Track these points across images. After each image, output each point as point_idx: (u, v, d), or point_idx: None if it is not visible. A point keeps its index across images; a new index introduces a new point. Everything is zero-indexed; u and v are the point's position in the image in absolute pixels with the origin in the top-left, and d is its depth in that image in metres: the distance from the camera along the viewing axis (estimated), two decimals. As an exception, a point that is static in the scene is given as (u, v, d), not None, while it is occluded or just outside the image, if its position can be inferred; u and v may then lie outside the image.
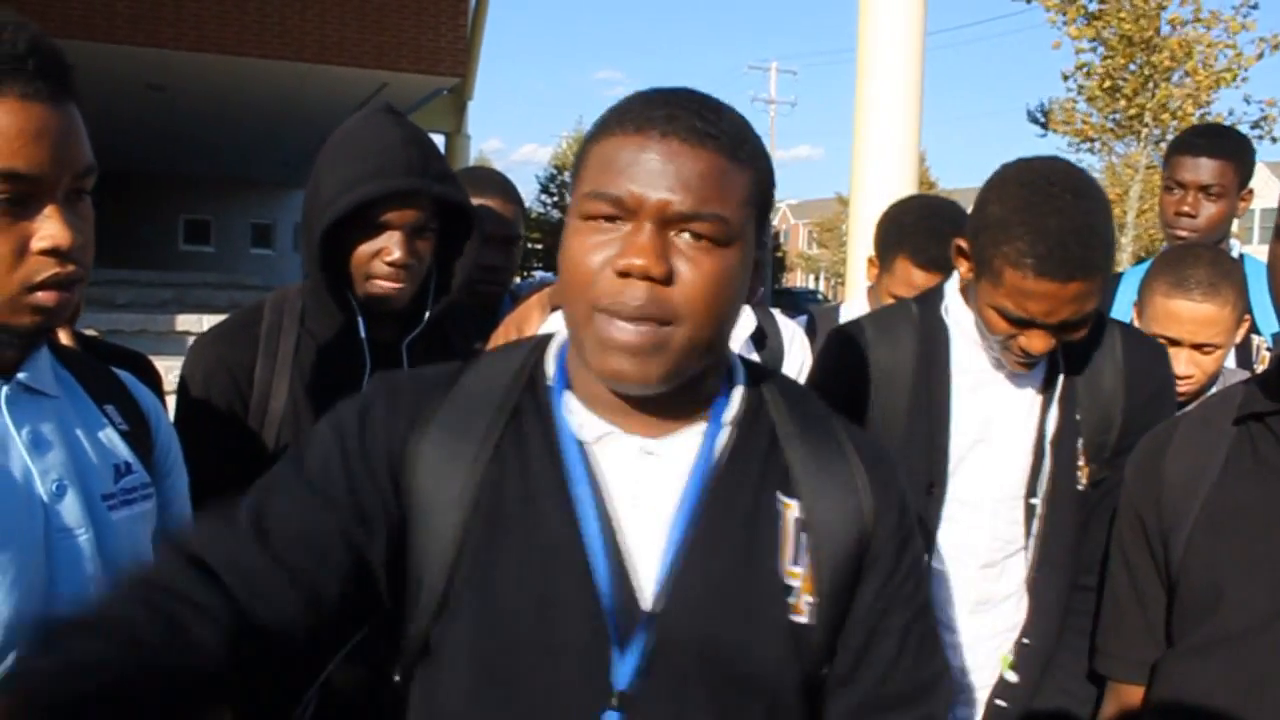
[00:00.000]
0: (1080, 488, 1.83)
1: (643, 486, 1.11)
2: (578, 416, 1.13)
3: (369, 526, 1.07)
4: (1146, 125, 17.48)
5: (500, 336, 2.13)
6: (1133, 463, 1.42)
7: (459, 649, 1.08)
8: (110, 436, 1.35)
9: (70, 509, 1.24)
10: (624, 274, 1.02)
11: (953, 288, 1.91)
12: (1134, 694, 1.39)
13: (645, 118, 1.05)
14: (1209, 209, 2.82)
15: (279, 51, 11.11)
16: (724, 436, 1.14)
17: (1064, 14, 16.95)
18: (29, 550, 1.19)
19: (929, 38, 6.91)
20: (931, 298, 1.94)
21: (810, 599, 1.11)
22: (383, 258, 1.79)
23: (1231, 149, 2.87)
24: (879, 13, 6.58)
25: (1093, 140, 18.63)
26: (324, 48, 11.21)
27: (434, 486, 1.09)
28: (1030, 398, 1.84)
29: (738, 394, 1.17)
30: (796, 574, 1.11)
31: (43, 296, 1.18)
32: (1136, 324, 2.35)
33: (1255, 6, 16.42)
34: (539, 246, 39.86)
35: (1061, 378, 1.81)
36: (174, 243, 22.71)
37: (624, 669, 1.05)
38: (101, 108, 13.47)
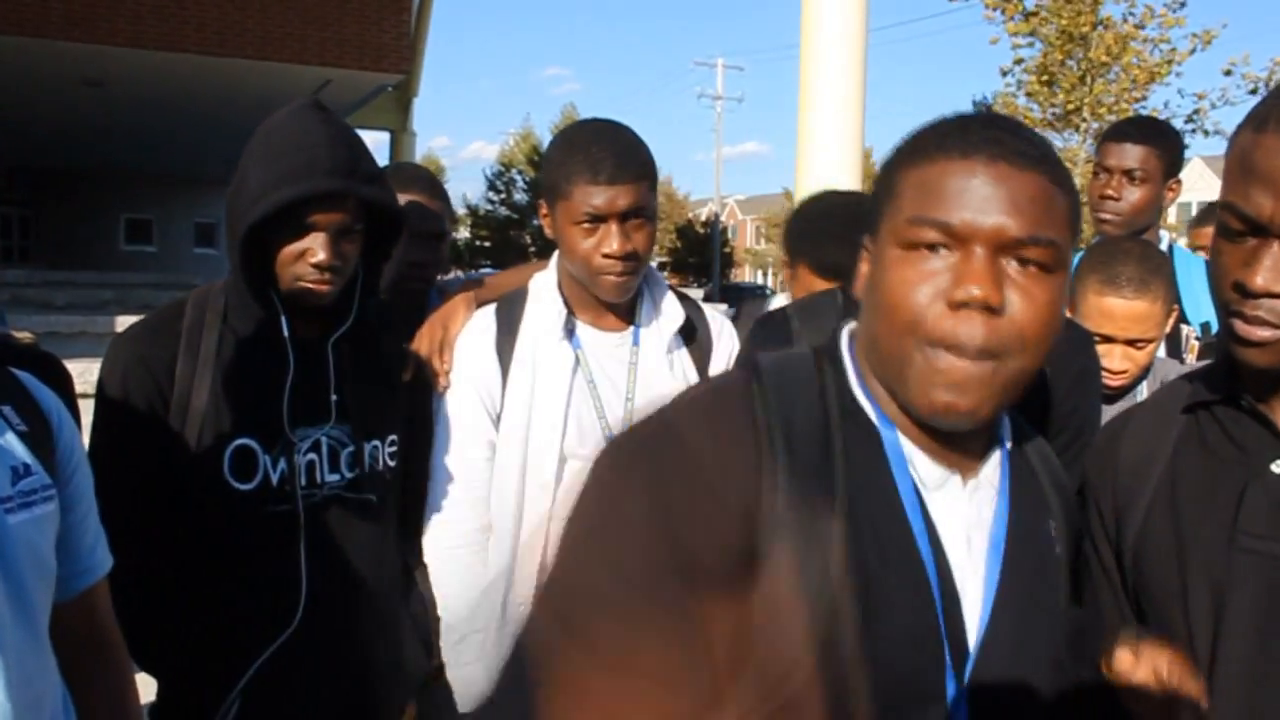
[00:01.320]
0: None
1: (969, 530, 1.08)
2: (911, 457, 1.07)
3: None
4: (1085, 120, 17.76)
5: (425, 334, 2.13)
6: (1092, 450, 1.45)
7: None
8: (7, 439, 1.32)
9: None
10: (960, 305, 0.98)
11: None
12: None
13: (968, 142, 1.02)
14: (1132, 194, 2.90)
15: (220, 47, 10.95)
16: (1011, 465, 1.14)
17: (1001, 10, 17.17)
18: None
19: (872, 34, 6.97)
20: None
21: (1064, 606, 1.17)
22: (308, 259, 1.77)
23: (1155, 135, 2.97)
24: (822, 9, 6.63)
25: (1034, 135, 18.84)
26: (266, 43, 11.07)
27: (795, 552, 0.97)
28: None
29: (1006, 420, 1.15)
30: (1063, 587, 1.16)
31: None
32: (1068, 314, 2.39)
33: (1184, 4, 16.76)
34: (487, 244, 39.68)
35: None
36: (115, 242, 22.30)
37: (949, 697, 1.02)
38: (38, 104, 13.21)
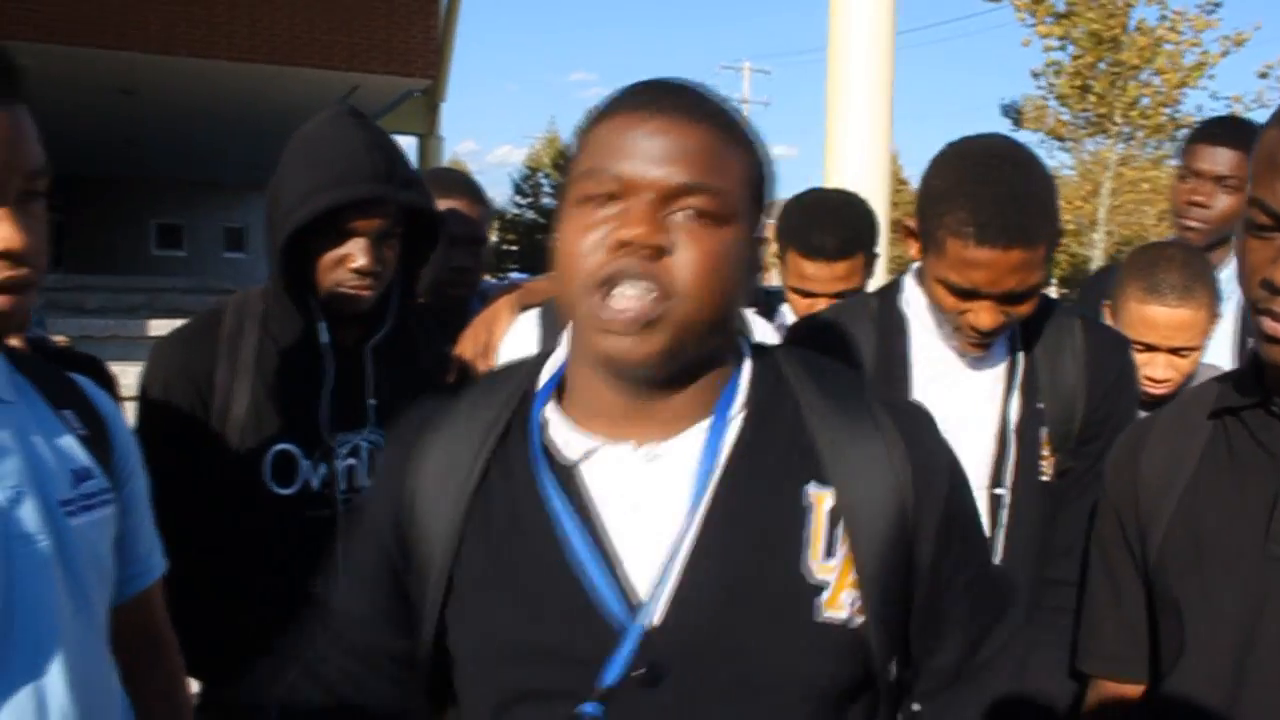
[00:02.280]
0: (1045, 479, 1.84)
1: (645, 493, 1.07)
2: (561, 433, 1.10)
3: (400, 627, 1.16)
4: (1116, 123, 17.63)
5: (469, 338, 2.13)
6: (1111, 459, 1.42)
7: (462, 683, 1.14)
8: (68, 442, 1.34)
9: (28, 516, 1.23)
10: (620, 246, 0.99)
11: (911, 279, 1.92)
12: (1114, 690, 1.40)
13: (637, 101, 1.05)
14: (1222, 201, 2.68)
15: (249, 53, 11.05)
16: (733, 430, 1.09)
17: (1033, 13, 17.07)
18: None
19: (900, 36, 6.94)
20: (890, 290, 1.95)
21: (852, 593, 1.05)
22: (347, 264, 1.78)
23: (1250, 140, 2.82)
24: (849, 12, 6.60)
25: (1064, 139, 18.79)
26: (294, 49, 11.16)
27: (428, 522, 1.11)
28: (991, 387, 1.85)
29: (744, 382, 1.11)
30: (830, 568, 1.05)
31: None
32: (1110, 322, 2.36)
33: (1219, 4, 16.60)
34: (514, 248, 39.78)
35: (1022, 366, 1.82)
36: (145, 247, 22.54)
37: (612, 670, 1.01)
38: (71, 112, 13.36)
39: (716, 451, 1.07)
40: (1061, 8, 17.08)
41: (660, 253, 0.99)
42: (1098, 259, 18.59)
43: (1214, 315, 2.25)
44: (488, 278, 2.89)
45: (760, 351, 1.16)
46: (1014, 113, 19.36)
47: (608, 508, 1.07)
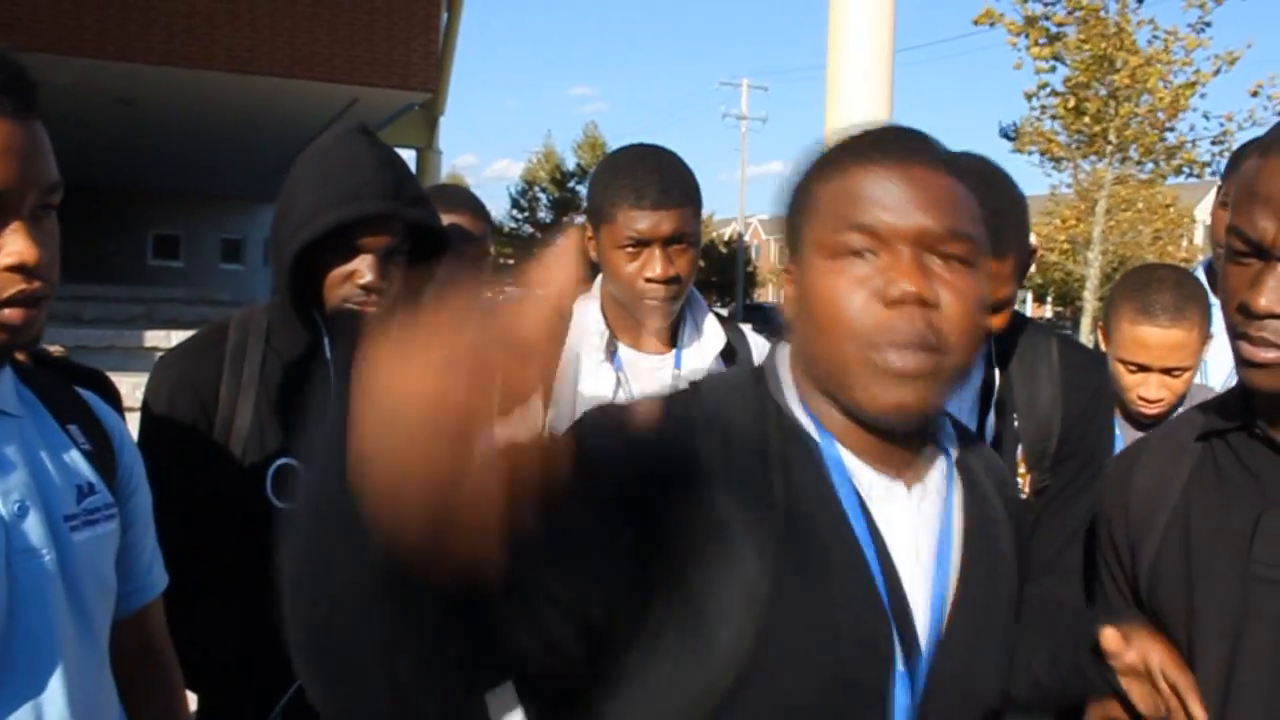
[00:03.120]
0: (1023, 496, 1.85)
1: (918, 536, 1.08)
2: (853, 468, 1.07)
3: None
4: (1110, 143, 17.71)
5: (470, 354, 2.13)
6: (1107, 480, 1.45)
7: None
8: (73, 457, 1.34)
9: (32, 529, 1.23)
10: (896, 302, 1.00)
11: None
12: (1113, 710, 1.41)
13: (880, 150, 1.05)
14: None
15: (249, 65, 11.07)
16: (957, 469, 1.15)
17: (1025, 35, 17.16)
18: None
19: (898, 54, 6.97)
20: None
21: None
22: (355, 280, 1.78)
23: None
24: (848, 30, 6.64)
25: (1060, 159, 18.88)
26: (294, 62, 11.18)
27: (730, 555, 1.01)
28: (967, 405, 1.86)
29: (948, 422, 1.17)
30: (1014, 596, 1.19)
31: (9, 314, 1.18)
32: (1102, 346, 2.37)
33: (1209, 24, 16.71)
34: (511, 261, 39.75)
35: (997, 384, 1.83)
36: (143, 258, 22.50)
37: (900, 706, 1.02)
38: (70, 122, 13.36)
39: (954, 487, 1.13)
40: (1054, 30, 17.16)
41: (935, 304, 1.01)
42: (1092, 278, 18.65)
43: (1206, 335, 2.26)
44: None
45: None
46: (1012, 133, 19.43)
47: (896, 551, 1.06)
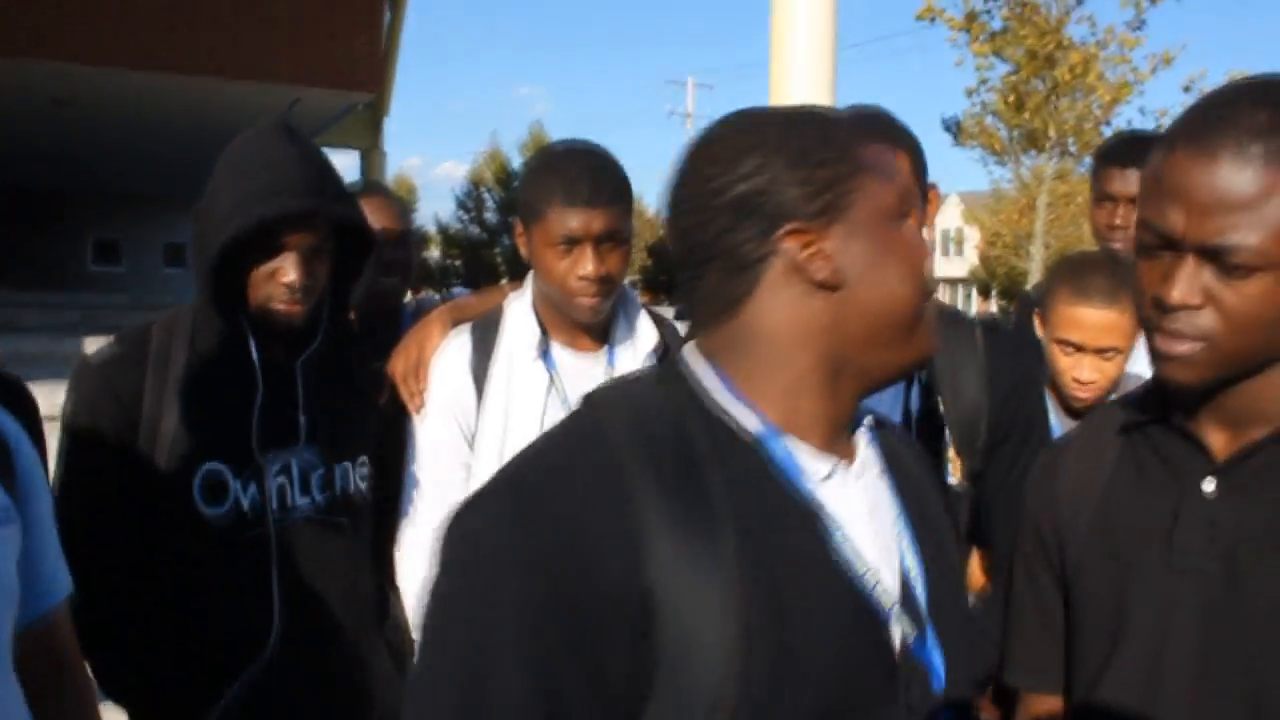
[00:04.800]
0: (953, 480, 1.86)
1: (869, 514, 1.04)
2: (802, 457, 1.01)
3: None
4: (1050, 139, 17.98)
5: (400, 355, 2.11)
6: (1031, 476, 1.46)
7: None
8: None
9: None
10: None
11: None
12: (1044, 703, 1.42)
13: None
14: None
15: (189, 65, 10.88)
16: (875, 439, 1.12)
17: (966, 31, 17.37)
18: None
19: (841, 51, 7.02)
20: None
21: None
22: (279, 279, 1.76)
23: None
24: (790, 26, 6.67)
25: (1001, 153, 19.14)
26: (236, 62, 11.02)
27: (689, 608, 0.88)
28: (889, 390, 1.86)
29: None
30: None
31: None
32: (1039, 332, 2.41)
33: (1144, 23, 17.06)
34: (457, 263, 39.54)
35: (919, 376, 1.84)
36: (82, 263, 22.09)
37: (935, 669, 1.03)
38: (5, 124, 13.09)
39: (880, 461, 1.11)
40: (996, 26, 17.40)
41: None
42: (1035, 272, 18.93)
43: (1138, 321, 2.31)
44: (431, 294, 2.87)
45: None
46: (954, 127, 19.67)
47: (856, 531, 1.01)
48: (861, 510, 1.04)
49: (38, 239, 20.73)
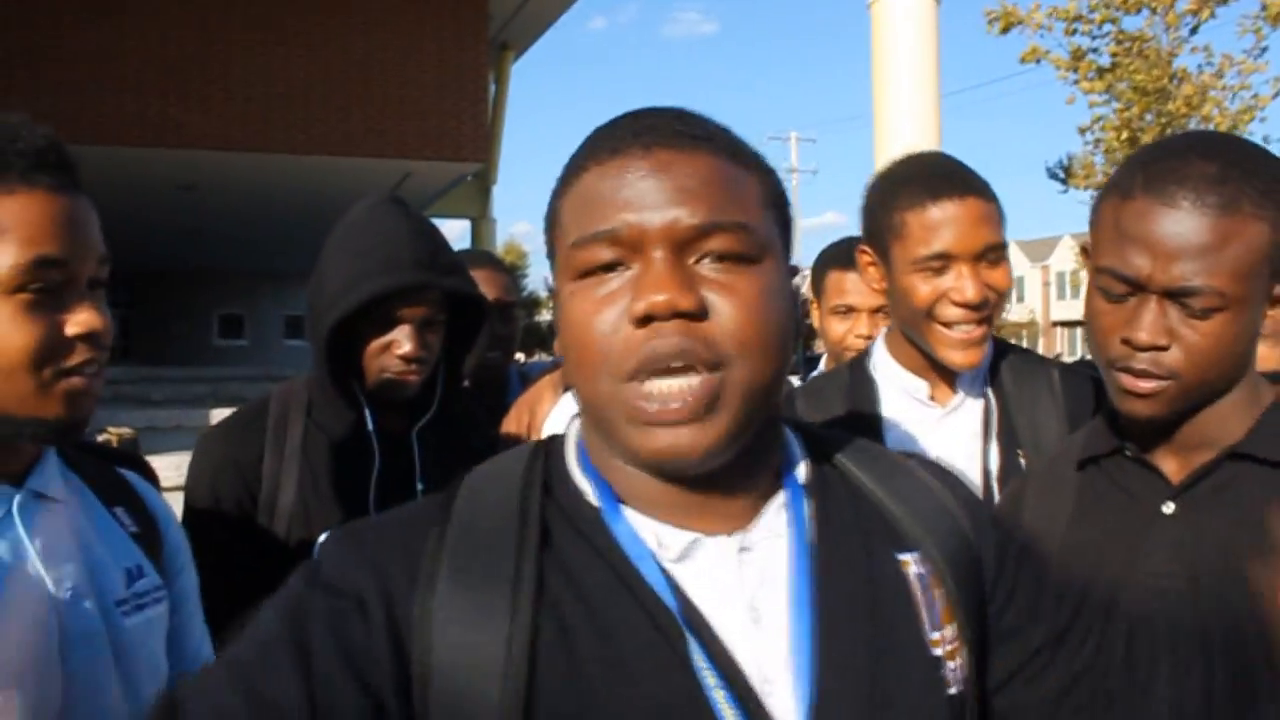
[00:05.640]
0: None
1: (752, 597, 0.88)
2: (646, 532, 0.89)
3: None
4: (1170, 173, 17.45)
5: (513, 419, 2.12)
6: (998, 509, 1.53)
7: None
8: (121, 540, 1.35)
9: (85, 616, 1.24)
10: (646, 319, 0.82)
11: (879, 344, 1.88)
12: None
13: (618, 139, 0.88)
14: None
15: (304, 146, 11.34)
16: (807, 505, 0.94)
17: (1075, 70, 17.06)
18: (46, 662, 1.18)
19: (944, 99, 6.96)
20: (862, 357, 1.91)
21: (957, 663, 0.92)
22: (393, 351, 1.78)
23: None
24: (893, 78, 6.64)
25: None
26: (348, 140, 11.43)
27: (458, 658, 0.82)
28: (968, 440, 1.76)
29: (797, 451, 0.97)
30: (941, 639, 0.92)
31: (76, 381, 1.19)
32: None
33: (1266, 49, 16.50)
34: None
35: (996, 414, 1.75)
36: (208, 337, 23.03)
37: None
38: (134, 209, 13.77)
39: (804, 530, 0.92)
40: (1104, 62, 17.06)
41: (696, 315, 0.82)
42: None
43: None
44: (543, 356, 2.90)
45: (787, 423, 1.02)
46: (1062, 171, 19.28)
47: (723, 618, 0.87)
48: (734, 597, 0.88)
49: (167, 316, 21.70)
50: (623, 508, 0.90)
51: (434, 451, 1.91)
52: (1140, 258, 1.21)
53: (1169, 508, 1.29)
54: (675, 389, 0.82)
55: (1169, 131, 17.21)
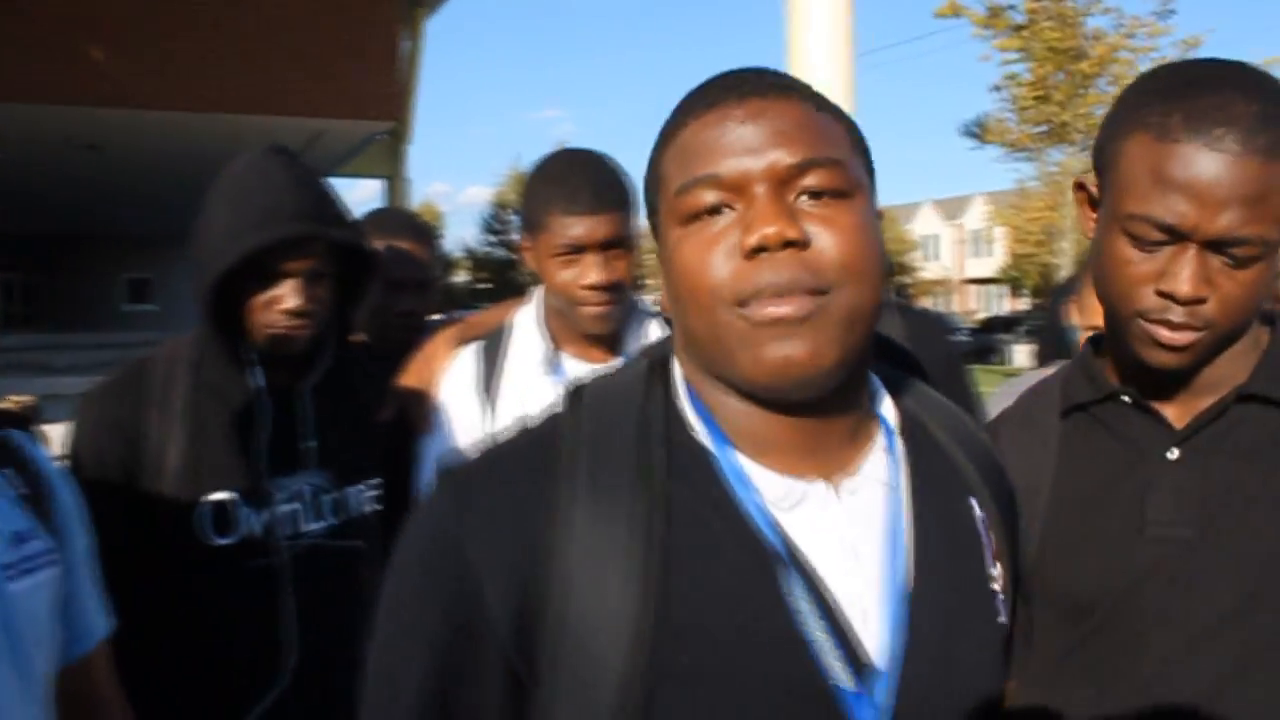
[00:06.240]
0: None
1: (854, 539, 0.95)
2: (760, 480, 0.95)
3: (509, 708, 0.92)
4: (1080, 132, 17.84)
5: (410, 374, 2.09)
6: None
7: None
8: (6, 503, 1.30)
9: None
10: (757, 251, 0.89)
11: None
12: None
13: (714, 95, 0.95)
14: None
15: (212, 104, 11.03)
16: (900, 449, 1.02)
17: (990, 27, 17.30)
18: None
19: (859, 58, 6.99)
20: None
21: (1004, 595, 1.04)
22: (278, 306, 1.74)
23: None
24: (807, 36, 6.65)
25: (1027, 149, 19.00)
26: (257, 99, 11.15)
27: (591, 596, 0.89)
28: None
29: (882, 391, 1.05)
30: (995, 576, 1.03)
31: None
32: (1073, 320, 2.36)
33: (1173, 11, 16.92)
34: (488, 285, 39.72)
35: None
36: (116, 303, 22.41)
37: None
38: (37, 170, 13.31)
39: (899, 478, 1.00)
40: (1019, 20, 17.32)
41: (803, 244, 0.89)
42: (1066, 265, 18.75)
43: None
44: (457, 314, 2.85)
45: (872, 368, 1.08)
46: (976, 128, 19.56)
47: (825, 560, 0.93)
48: (835, 543, 0.95)
49: (72, 281, 21.07)
50: (730, 450, 0.96)
51: (324, 406, 1.88)
52: (1184, 205, 1.12)
53: (1173, 453, 1.24)
54: (785, 306, 0.89)
55: (1081, 91, 17.53)
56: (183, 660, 1.77)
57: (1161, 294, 1.17)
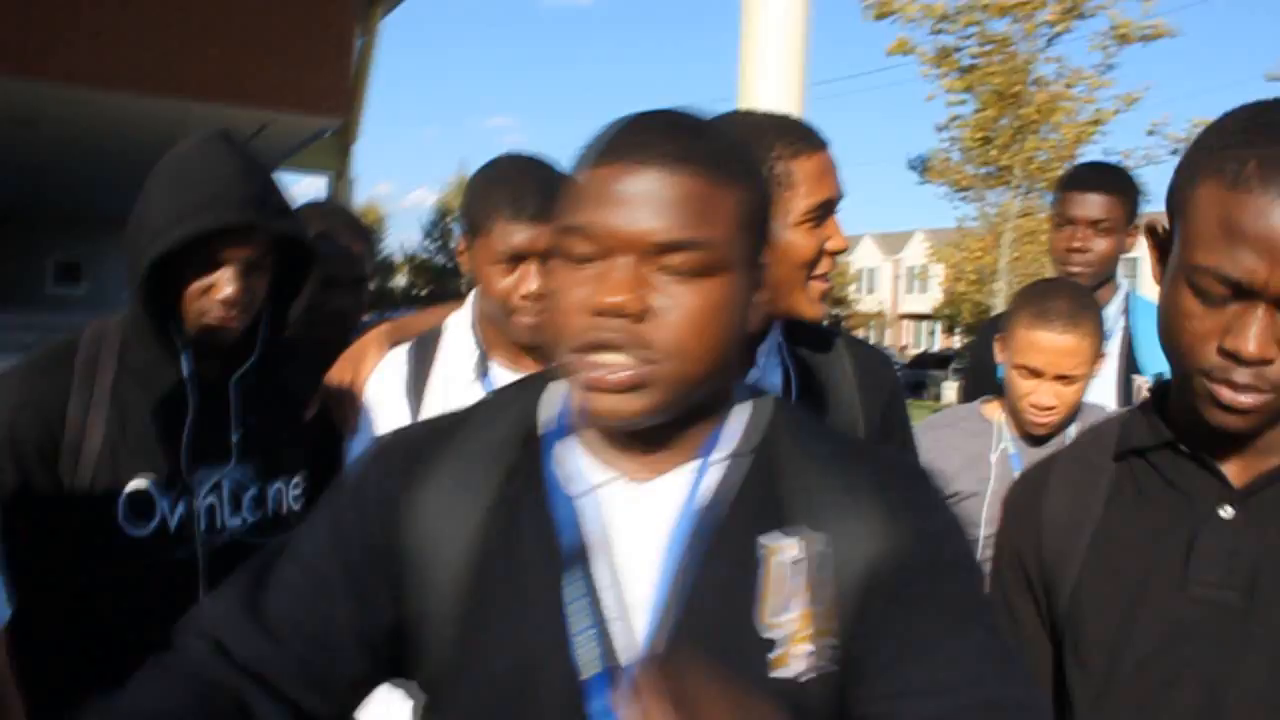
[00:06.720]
0: None
1: (639, 532, 1.05)
2: (571, 466, 1.08)
3: (368, 607, 1.08)
4: (1016, 176, 18.23)
5: (336, 375, 2.06)
6: (1011, 504, 1.42)
7: (455, 710, 1.07)
8: None
9: None
10: (600, 313, 0.97)
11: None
12: None
13: (620, 148, 1.00)
14: (1100, 244, 2.81)
15: (157, 87, 10.81)
16: (715, 474, 1.07)
17: (938, 67, 17.62)
18: None
19: (813, 88, 7.05)
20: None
21: (808, 647, 1.00)
22: (214, 294, 1.71)
23: (1117, 183, 2.89)
24: (760, 62, 6.70)
25: (968, 190, 19.37)
26: (203, 84, 10.95)
27: (434, 538, 1.07)
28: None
29: (736, 428, 1.10)
30: (779, 624, 1.00)
31: None
32: (999, 357, 2.40)
33: (1112, 67, 17.40)
34: (426, 291, 39.39)
35: (795, 384, 1.75)
36: (41, 284, 21.83)
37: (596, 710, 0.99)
38: (-36, 142, 12.94)
39: (698, 495, 1.06)
40: (966, 63, 17.67)
41: (642, 316, 0.97)
42: (999, 307, 19.11)
43: (1099, 347, 2.31)
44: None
45: (762, 401, 1.14)
46: (921, 165, 19.90)
47: (607, 548, 1.05)
48: (630, 533, 1.05)
49: (-3, 259, 20.48)
50: (564, 443, 1.10)
51: (251, 400, 1.84)
52: (1254, 260, 1.06)
53: (1227, 511, 1.18)
54: (612, 362, 0.98)
55: (1023, 136, 17.92)
56: (92, 652, 1.72)
57: (1225, 352, 1.11)
